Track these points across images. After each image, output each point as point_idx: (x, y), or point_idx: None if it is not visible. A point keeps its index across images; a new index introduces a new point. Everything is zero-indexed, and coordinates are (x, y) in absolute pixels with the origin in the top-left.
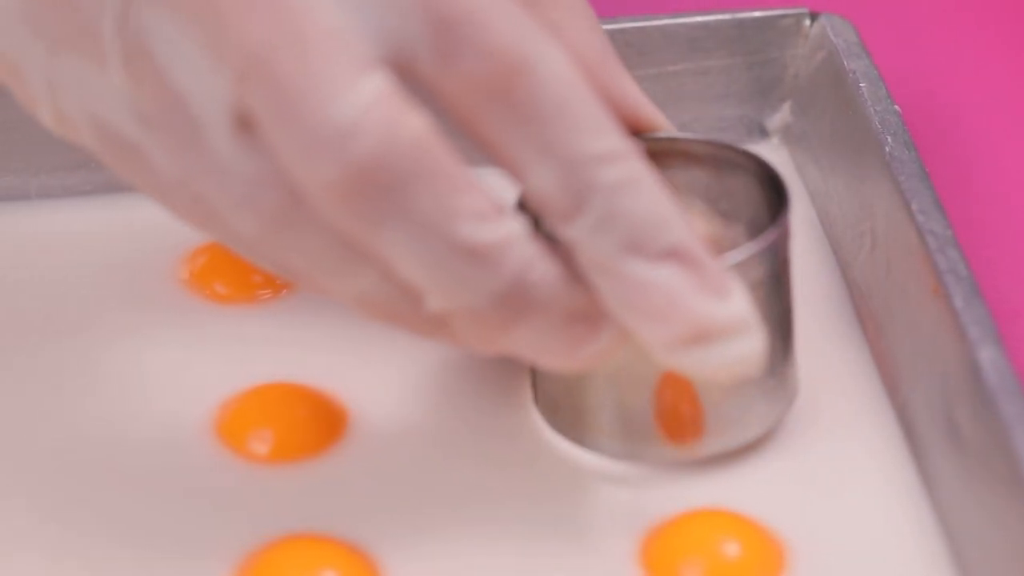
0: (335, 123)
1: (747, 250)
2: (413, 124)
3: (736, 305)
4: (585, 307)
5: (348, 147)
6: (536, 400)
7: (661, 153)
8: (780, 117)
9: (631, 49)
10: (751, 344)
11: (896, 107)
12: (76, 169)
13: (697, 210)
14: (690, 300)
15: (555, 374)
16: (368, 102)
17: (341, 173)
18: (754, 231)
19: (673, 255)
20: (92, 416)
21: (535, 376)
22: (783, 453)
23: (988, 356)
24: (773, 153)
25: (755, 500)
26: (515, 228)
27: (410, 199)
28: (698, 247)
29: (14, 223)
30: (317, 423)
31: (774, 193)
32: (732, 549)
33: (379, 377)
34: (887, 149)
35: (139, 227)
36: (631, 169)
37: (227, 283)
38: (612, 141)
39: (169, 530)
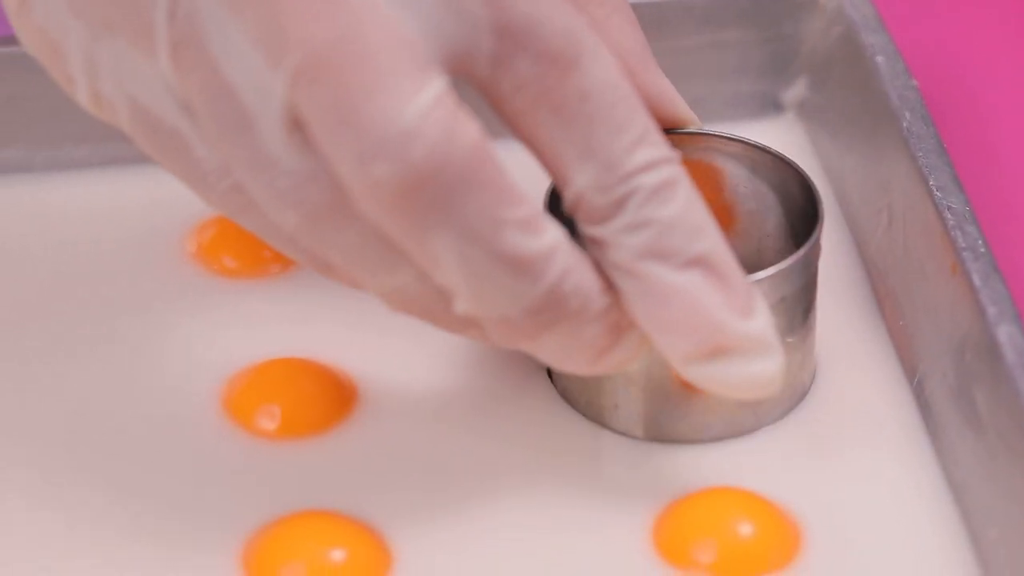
0: (396, 126)
1: (780, 265)
2: (470, 131)
3: (759, 323)
4: (613, 317)
5: (407, 150)
6: (551, 375)
7: (694, 148)
8: (796, 92)
9: (646, 23)
10: (770, 365)
11: (914, 82)
12: (82, 142)
13: (724, 204)
14: (711, 312)
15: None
16: (429, 106)
17: (397, 176)
18: (782, 233)
19: (700, 264)
20: (98, 391)
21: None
22: (799, 432)
23: (1006, 333)
24: (788, 129)
25: (770, 479)
26: (556, 238)
27: (461, 206)
28: (727, 259)
29: (19, 196)
30: (326, 399)
31: (805, 199)
32: (746, 528)
33: (389, 352)
34: (904, 124)
35: (146, 200)
36: (670, 175)
37: (236, 257)
38: (655, 148)
39: (175, 506)
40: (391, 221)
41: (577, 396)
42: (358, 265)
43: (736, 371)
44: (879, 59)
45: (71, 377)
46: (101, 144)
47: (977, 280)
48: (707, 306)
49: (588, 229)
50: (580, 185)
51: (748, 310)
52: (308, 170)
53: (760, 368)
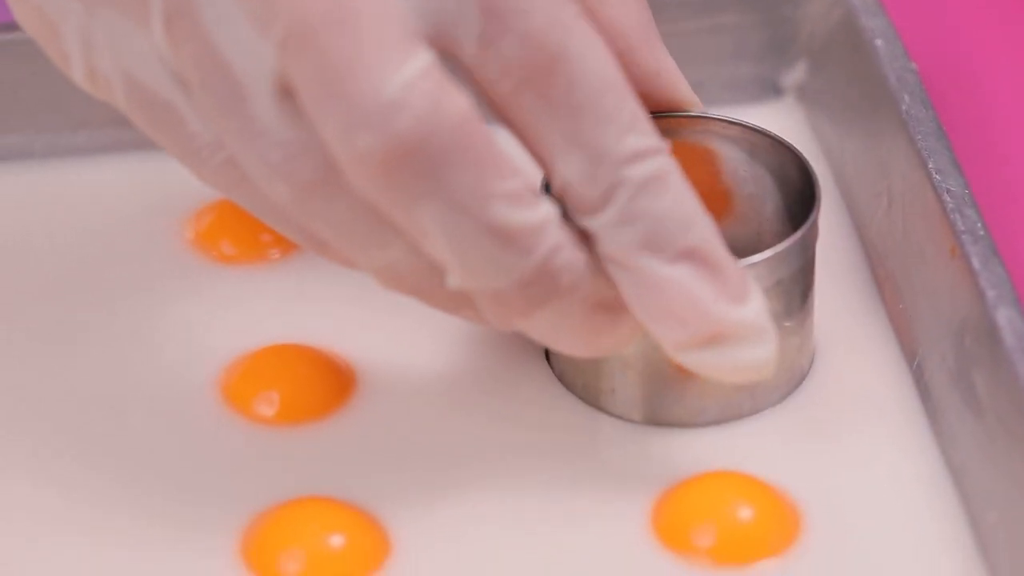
0: (381, 97)
1: (776, 248)
2: (457, 102)
3: (752, 310)
4: (607, 297)
5: (392, 121)
6: (549, 360)
7: (691, 132)
8: (795, 76)
9: None
10: (764, 350)
11: (913, 65)
12: (80, 128)
13: (723, 186)
14: (705, 302)
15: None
16: (415, 77)
17: (382, 147)
18: (780, 216)
19: (691, 256)
20: (96, 377)
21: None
22: (798, 416)
23: (1006, 317)
24: (788, 113)
25: (769, 463)
26: (547, 213)
27: (448, 177)
28: (719, 249)
29: (18, 182)
30: (324, 384)
31: (803, 182)
32: (746, 512)
33: (388, 338)
34: (904, 107)
35: (145, 187)
36: (659, 167)
37: (234, 243)
38: (643, 138)
39: (174, 493)
40: (378, 193)
41: (574, 380)
42: (349, 240)
43: (730, 357)
44: (878, 42)
45: (70, 363)
46: (100, 131)
47: (976, 263)
48: (700, 297)
49: (578, 220)
50: (566, 175)
51: (741, 297)
52: (299, 141)
53: (754, 354)
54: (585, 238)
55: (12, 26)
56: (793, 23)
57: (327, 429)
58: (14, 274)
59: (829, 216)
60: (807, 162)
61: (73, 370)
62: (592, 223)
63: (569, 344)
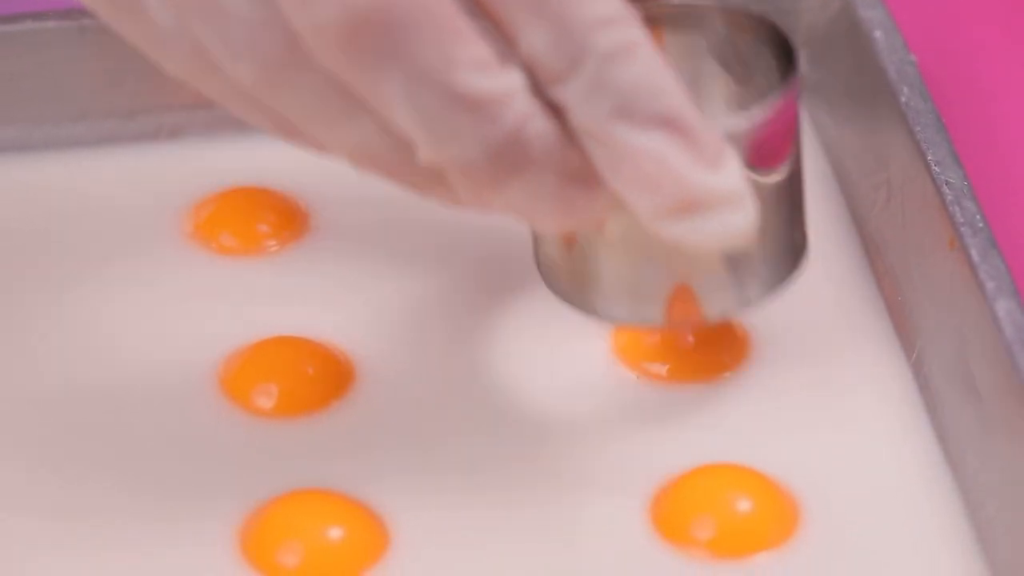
0: None
1: (755, 114)
2: None
3: (728, 176)
4: (581, 168)
5: None
6: (537, 255)
7: (675, 18)
8: None
9: None
10: (742, 217)
11: (912, 57)
12: (80, 120)
13: (711, 73)
14: (680, 169)
15: (553, 238)
16: None
17: (341, 16)
18: (768, 95)
19: (664, 123)
20: (95, 369)
21: (535, 237)
22: (796, 408)
23: (1005, 309)
24: None
25: (767, 455)
26: (515, 81)
27: (409, 45)
28: (692, 115)
29: (18, 174)
30: (323, 377)
31: (785, 57)
32: (744, 505)
33: (387, 330)
34: (903, 99)
35: (144, 179)
36: (627, 34)
37: (233, 235)
38: (609, 5)
39: (173, 485)
40: (341, 66)
41: (560, 268)
42: (318, 119)
43: (707, 225)
44: (877, 34)
45: (68, 355)
46: (99, 122)
47: (975, 255)
48: (673, 164)
49: (548, 92)
50: (533, 45)
51: (716, 163)
52: (262, 17)
53: (731, 220)
54: (557, 112)
55: (11, 18)
56: (792, 15)
57: (325, 421)
58: (12, 265)
59: (828, 208)
60: (784, 33)
61: (71, 362)
62: (562, 93)
63: (544, 218)
